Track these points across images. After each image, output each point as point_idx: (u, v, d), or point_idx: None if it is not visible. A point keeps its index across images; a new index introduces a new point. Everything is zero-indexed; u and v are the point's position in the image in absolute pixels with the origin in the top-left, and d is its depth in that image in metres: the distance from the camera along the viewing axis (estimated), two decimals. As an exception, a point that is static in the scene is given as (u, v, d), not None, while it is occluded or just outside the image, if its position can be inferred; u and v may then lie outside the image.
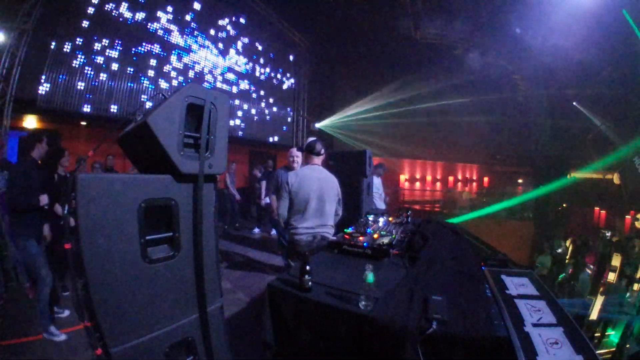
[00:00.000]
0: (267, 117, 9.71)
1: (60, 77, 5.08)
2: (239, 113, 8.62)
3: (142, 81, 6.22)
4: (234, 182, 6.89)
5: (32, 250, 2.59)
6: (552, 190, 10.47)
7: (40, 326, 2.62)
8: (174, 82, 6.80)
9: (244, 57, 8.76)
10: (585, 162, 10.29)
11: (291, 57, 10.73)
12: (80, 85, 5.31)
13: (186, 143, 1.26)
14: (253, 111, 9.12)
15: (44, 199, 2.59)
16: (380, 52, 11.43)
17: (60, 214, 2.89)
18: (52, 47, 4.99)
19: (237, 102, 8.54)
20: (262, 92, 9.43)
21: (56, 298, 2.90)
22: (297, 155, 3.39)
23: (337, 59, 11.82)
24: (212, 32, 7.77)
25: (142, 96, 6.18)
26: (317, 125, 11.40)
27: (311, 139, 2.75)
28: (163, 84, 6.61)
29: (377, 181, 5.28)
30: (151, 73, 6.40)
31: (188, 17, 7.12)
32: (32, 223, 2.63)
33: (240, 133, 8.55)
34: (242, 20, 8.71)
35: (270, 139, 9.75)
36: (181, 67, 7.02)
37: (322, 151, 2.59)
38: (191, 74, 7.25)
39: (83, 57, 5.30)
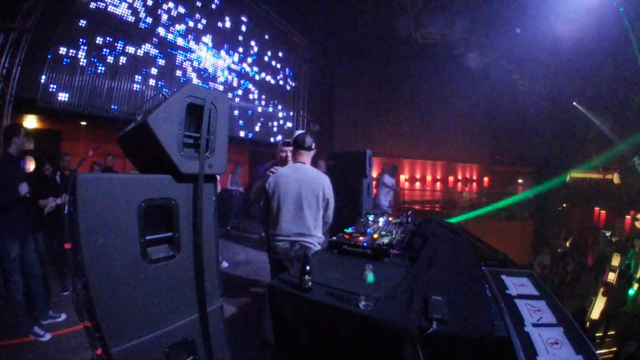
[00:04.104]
0: (267, 117, 9.71)
1: (60, 77, 5.07)
2: (239, 113, 8.61)
3: (142, 81, 6.22)
4: (238, 183, 6.94)
5: (10, 254, 2.51)
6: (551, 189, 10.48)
7: (23, 329, 2.60)
8: (174, 82, 6.79)
9: (244, 57, 8.76)
10: (585, 162, 10.29)
11: (291, 58, 10.73)
12: (80, 85, 5.29)
13: (186, 143, 1.26)
14: (253, 111, 9.12)
15: (23, 188, 2.53)
16: (380, 52, 11.45)
17: (42, 207, 2.87)
18: (52, 46, 4.98)
19: (237, 101, 8.53)
20: (261, 92, 9.42)
21: (35, 300, 2.82)
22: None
23: (337, 59, 11.82)
24: (213, 32, 7.76)
25: (142, 93, 6.17)
26: (317, 125, 11.40)
27: (299, 132, 2.38)
28: (163, 84, 6.61)
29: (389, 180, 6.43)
30: (151, 73, 6.39)
31: (188, 17, 7.12)
32: (15, 222, 2.55)
33: (240, 133, 8.55)
34: (242, 21, 8.71)
35: (271, 139, 9.75)
36: (181, 67, 7.01)
37: (313, 146, 2.24)
38: (191, 73, 7.25)
39: (83, 57, 5.29)
